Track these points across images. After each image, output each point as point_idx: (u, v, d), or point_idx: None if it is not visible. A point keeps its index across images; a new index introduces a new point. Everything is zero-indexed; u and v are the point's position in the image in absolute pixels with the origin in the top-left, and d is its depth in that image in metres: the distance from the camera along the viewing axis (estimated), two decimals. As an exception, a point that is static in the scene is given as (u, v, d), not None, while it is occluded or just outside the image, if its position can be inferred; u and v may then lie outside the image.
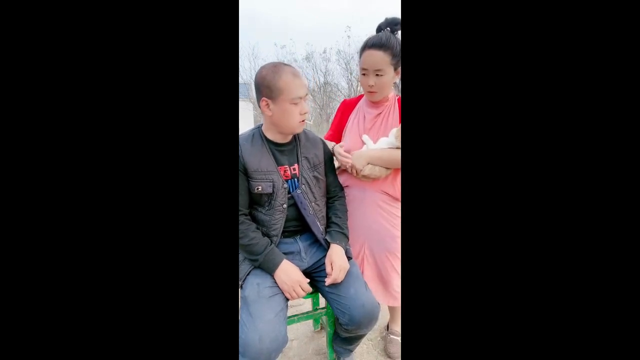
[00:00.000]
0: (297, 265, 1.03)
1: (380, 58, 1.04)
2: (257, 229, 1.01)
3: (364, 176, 1.12)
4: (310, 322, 1.48)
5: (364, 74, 1.09)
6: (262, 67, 0.96)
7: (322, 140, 1.15)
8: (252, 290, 0.93)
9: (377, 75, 1.06)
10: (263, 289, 0.93)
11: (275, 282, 0.97)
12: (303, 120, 0.99)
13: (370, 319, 0.97)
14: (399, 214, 1.14)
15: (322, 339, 1.40)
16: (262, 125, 1.06)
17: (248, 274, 0.98)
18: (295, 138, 1.07)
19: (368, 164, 1.10)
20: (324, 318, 1.18)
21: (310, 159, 1.06)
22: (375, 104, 1.16)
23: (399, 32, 1.08)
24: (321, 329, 1.46)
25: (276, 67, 0.94)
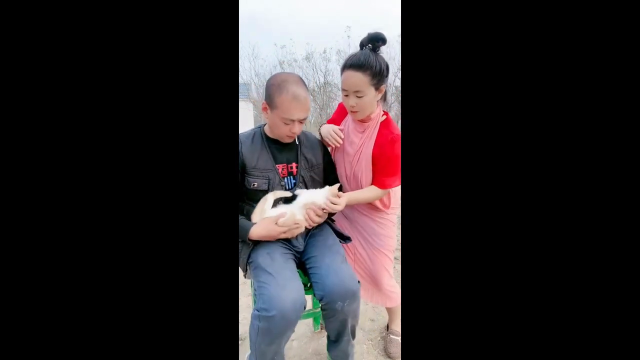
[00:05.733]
0: (295, 247, 1.06)
1: (359, 79, 1.00)
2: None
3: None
4: (310, 322, 1.48)
5: (345, 95, 1.06)
6: (276, 75, 0.98)
7: (322, 143, 1.17)
8: (265, 258, 0.94)
9: (357, 96, 1.03)
10: (275, 256, 0.95)
11: (284, 250, 1.00)
12: (292, 136, 1.01)
13: (344, 289, 0.93)
14: (384, 216, 1.21)
15: (322, 339, 1.40)
16: (264, 125, 1.09)
17: (252, 251, 1.00)
18: (297, 138, 1.10)
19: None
20: (324, 317, 1.17)
21: (309, 159, 1.10)
22: (359, 122, 1.14)
23: (382, 49, 1.06)
24: (321, 329, 1.46)
25: (283, 83, 0.94)
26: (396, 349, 1.29)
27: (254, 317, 0.86)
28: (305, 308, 0.88)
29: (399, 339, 1.30)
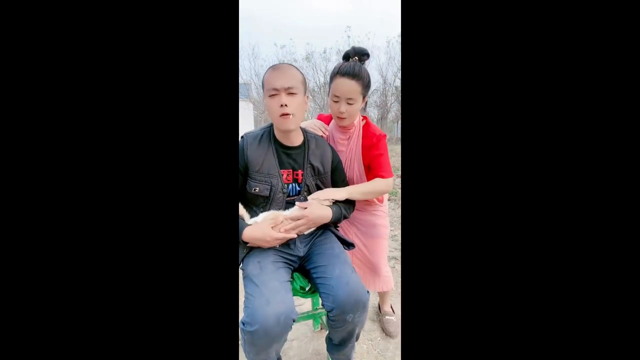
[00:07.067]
0: (293, 253, 1.03)
1: (354, 87, 1.07)
2: None
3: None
4: (310, 322, 1.48)
5: (335, 101, 1.11)
6: None
7: (332, 149, 1.13)
8: (254, 267, 0.93)
9: (348, 103, 1.09)
10: (265, 264, 0.94)
11: (277, 258, 0.97)
12: (285, 115, 0.93)
13: (355, 300, 0.91)
14: (379, 208, 1.32)
15: (322, 339, 1.40)
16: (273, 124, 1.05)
17: (245, 256, 0.99)
18: (305, 143, 1.06)
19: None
20: (324, 318, 1.18)
21: (315, 166, 1.06)
22: (343, 128, 1.21)
23: (366, 63, 1.13)
24: (321, 329, 1.46)
25: (270, 67, 0.98)
26: (394, 328, 1.41)
27: (239, 328, 0.83)
28: (294, 321, 0.85)
29: (394, 318, 1.45)
